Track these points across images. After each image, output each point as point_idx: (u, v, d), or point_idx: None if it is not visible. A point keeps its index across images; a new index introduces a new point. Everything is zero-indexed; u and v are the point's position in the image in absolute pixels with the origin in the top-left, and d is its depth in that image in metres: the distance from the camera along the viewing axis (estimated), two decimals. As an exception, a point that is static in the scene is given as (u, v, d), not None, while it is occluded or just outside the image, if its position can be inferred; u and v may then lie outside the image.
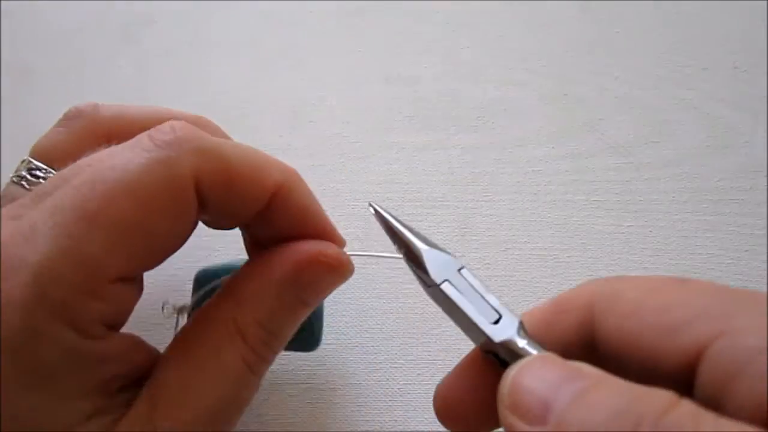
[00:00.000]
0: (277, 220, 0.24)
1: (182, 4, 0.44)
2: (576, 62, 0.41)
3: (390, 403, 0.31)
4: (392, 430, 0.31)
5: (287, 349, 0.26)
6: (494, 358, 0.20)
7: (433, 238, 0.35)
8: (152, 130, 0.21)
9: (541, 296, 0.34)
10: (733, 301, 0.18)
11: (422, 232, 0.23)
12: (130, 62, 0.42)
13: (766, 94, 0.39)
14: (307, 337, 0.29)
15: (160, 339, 0.24)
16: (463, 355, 0.22)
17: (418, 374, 0.31)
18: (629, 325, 0.18)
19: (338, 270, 0.24)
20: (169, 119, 0.26)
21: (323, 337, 0.30)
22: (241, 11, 0.44)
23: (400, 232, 0.23)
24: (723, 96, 0.39)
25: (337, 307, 0.33)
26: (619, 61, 0.41)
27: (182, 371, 0.22)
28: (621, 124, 0.39)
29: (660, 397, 0.15)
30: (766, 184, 0.36)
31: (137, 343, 0.23)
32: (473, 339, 0.22)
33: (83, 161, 0.21)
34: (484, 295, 0.21)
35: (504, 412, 0.17)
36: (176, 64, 0.42)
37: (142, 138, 0.21)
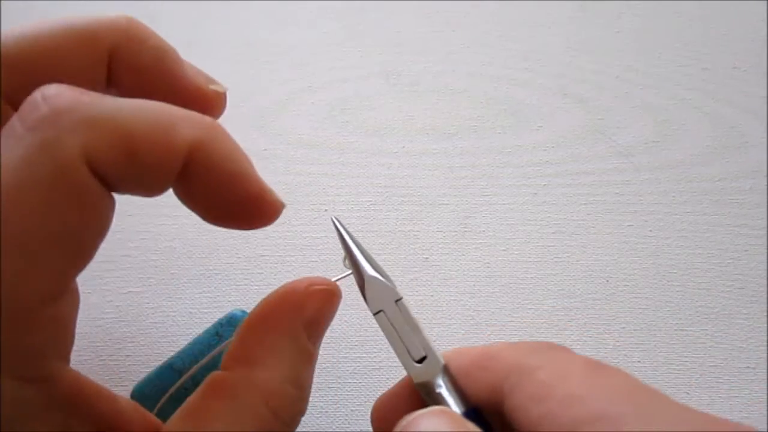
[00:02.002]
0: (198, 182, 0.19)
1: (182, 3, 0.44)
2: (576, 62, 0.41)
3: (390, 403, 0.31)
4: (392, 430, 0.31)
5: None
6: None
7: (432, 238, 0.35)
8: (22, 107, 0.17)
9: (542, 297, 0.34)
10: (635, 405, 0.17)
11: (375, 253, 0.24)
12: (129, 62, 0.42)
13: (766, 95, 0.39)
14: None
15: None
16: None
17: (418, 374, 0.31)
18: (533, 409, 0.18)
19: (333, 295, 0.23)
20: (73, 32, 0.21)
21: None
22: (241, 11, 0.44)
23: (352, 253, 0.23)
24: (723, 96, 0.39)
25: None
26: (619, 61, 0.41)
27: None
28: (621, 124, 0.39)
29: None
30: (765, 184, 0.36)
31: (97, 386, 0.20)
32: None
33: None
34: (415, 331, 0.22)
35: None
36: (176, 64, 0.42)
37: (13, 123, 0.17)
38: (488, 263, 0.34)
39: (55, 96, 0.17)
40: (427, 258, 0.35)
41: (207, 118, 0.20)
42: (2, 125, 0.19)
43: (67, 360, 0.19)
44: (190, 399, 0.20)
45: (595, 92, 0.40)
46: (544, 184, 0.37)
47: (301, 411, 0.22)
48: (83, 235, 0.18)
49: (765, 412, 0.31)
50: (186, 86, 0.22)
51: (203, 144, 0.19)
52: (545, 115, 0.39)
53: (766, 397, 0.31)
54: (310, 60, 0.42)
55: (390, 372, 0.32)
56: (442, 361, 0.21)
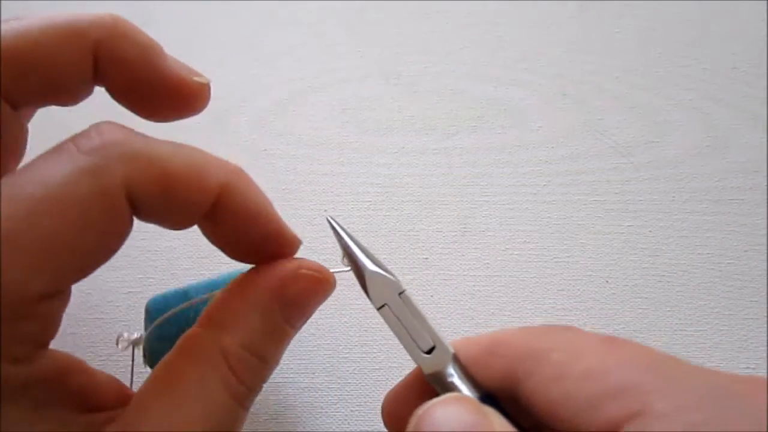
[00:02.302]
0: (225, 221, 0.22)
1: (181, 4, 0.44)
2: (576, 62, 0.41)
3: (390, 403, 0.31)
4: (392, 430, 0.31)
5: None
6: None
7: (432, 238, 0.35)
8: (77, 134, 0.20)
9: (541, 297, 0.34)
10: (656, 374, 0.17)
11: (374, 252, 0.23)
12: (129, 62, 0.42)
13: (765, 95, 0.39)
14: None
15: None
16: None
17: (418, 374, 0.31)
18: (551, 390, 0.18)
19: (321, 283, 0.23)
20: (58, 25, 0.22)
21: (319, 346, 0.30)
22: (241, 11, 0.44)
23: (350, 249, 0.23)
24: (722, 96, 0.39)
25: (336, 307, 0.33)
26: (619, 61, 0.41)
27: (163, 405, 0.20)
28: (620, 124, 0.39)
29: None
30: (765, 184, 0.36)
31: (74, 361, 0.21)
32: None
33: None
34: (421, 322, 0.22)
35: None
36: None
37: (66, 145, 0.19)
38: (488, 263, 0.34)
39: (107, 131, 0.20)
40: (426, 258, 0.35)
41: (233, 164, 0.22)
42: (1, 120, 0.22)
43: (48, 344, 0.21)
44: (165, 357, 0.21)
45: (594, 92, 0.40)
46: (544, 184, 0.37)
47: (262, 380, 0.22)
48: (97, 250, 0.20)
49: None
50: (170, 78, 0.23)
51: (231, 186, 0.21)
52: (545, 115, 0.39)
53: (766, 397, 0.31)
54: (310, 60, 0.42)
55: (390, 372, 0.32)
56: (452, 350, 0.21)
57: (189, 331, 0.22)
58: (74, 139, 0.20)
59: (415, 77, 0.41)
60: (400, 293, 0.22)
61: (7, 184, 0.19)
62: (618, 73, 0.40)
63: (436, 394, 0.20)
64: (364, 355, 0.32)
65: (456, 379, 0.20)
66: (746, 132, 0.38)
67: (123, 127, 0.20)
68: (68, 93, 0.23)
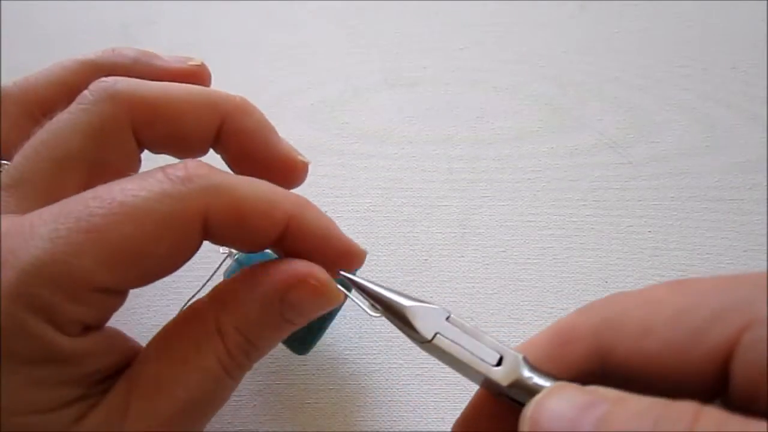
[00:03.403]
0: (295, 245, 0.24)
1: (182, 4, 0.44)
2: (576, 62, 0.41)
3: (390, 404, 0.31)
4: (392, 430, 0.31)
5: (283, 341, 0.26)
6: (506, 398, 0.20)
7: (432, 240, 0.35)
8: (166, 165, 0.22)
9: (540, 298, 0.34)
10: (742, 290, 0.17)
11: (405, 291, 0.23)
12: (130, 63, 0.42)
13: (765, 95, 0.39)
14: (298, 342, 0.29)
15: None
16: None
17: (418, 375, 0.32)
18: (644, 345, 0.18)
19: (325, 295, 0.24)
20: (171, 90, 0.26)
21: (319, 346, 0.31)
22: (241, 11, 0.44)
23: (380, 294, 0.23)
24: (722, 96, 0.39)
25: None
26: (619, 61, 0.41)
27: (161, 365, 0.22)
28: (620, 124, 0.39)
29: (684, 409, 0.15)
30: (765, 183, 0.36)
31: (117, 337, 0.24)
32: (476, 381, 0.21)
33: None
34: (479, 338, 0.21)
35: None
36: (176, 65, 0.42)
37: (156, 171, 0.22)
38: (487, 264, 0.35)
39: (194, 165, 0.22)
40: (426, 259, 0.35)
41: (300, 196, 0.24)
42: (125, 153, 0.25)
43: (92, 330, 0.23)
44: (173, 319, 0.24)
45: (594, 92, 0.40)
46: (544, 185, 0.37)
47: (252, 360, 0.24)
48: (162, 264, 0.22)
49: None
50: (280, 154, 0.27)
51: (298, 216, 0.23)
52: (545, 115, 0.39)
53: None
54: (310, 60, 0.42)
55: (389, 374, 0.32)
56: (520, 354, 0.20)
57: (196, 301, 0.24)
58: (164, 168, 0.22)
59: (415, 77, 0.41)
60: (446, 318, 0.21)
61: (101, 188, 0.21)
62: (618, 73, 0.40)
63: (510, 410, 0.19)
64: (364, 356, 0.32)
65: (538, 378, 0.19)
66: (746, 131, 0.38)
67: (206, 164, 0.23)
68: (189, 149, 0.27)
